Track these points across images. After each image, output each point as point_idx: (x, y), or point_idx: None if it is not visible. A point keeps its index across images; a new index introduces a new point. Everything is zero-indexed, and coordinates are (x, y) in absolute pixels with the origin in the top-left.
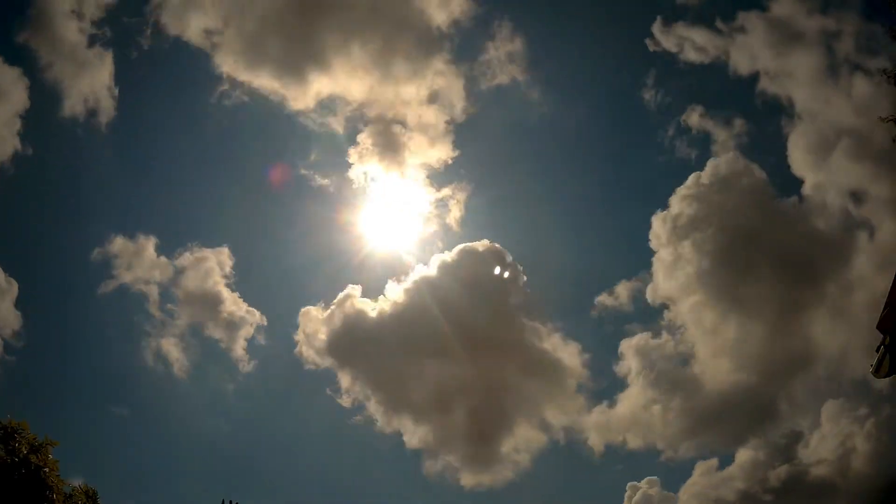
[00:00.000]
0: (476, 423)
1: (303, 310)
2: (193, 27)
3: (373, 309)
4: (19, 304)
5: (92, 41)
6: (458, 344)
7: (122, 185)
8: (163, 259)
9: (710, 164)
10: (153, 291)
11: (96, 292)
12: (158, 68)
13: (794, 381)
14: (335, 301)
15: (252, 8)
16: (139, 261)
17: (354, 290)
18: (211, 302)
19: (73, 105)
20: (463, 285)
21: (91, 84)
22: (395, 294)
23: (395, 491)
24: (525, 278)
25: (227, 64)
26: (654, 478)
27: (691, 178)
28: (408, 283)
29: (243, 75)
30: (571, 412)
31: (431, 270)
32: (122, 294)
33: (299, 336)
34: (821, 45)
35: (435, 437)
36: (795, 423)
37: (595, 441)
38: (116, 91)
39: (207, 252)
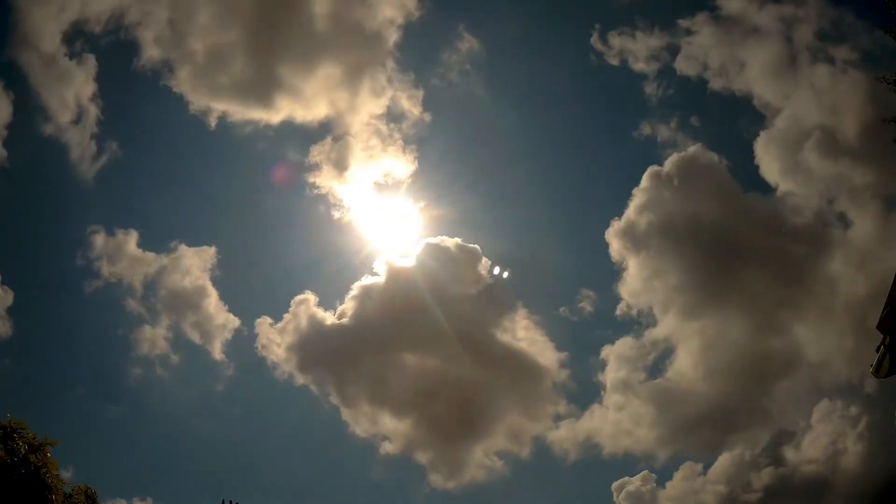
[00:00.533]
0: (448, 428)
1: (258, 320)
2: (157, 44)
3: (336, 316)
4: (12, 311)
5: (72, 54)
6: (428, 346)
7: (104, 189)
8: (149, 254)
9: (672, 161)
10: (137, 288)
11: (84, 293)
12: (135, 86)
13: (783, 383)
14: (290, 310)
15: (209, 30)
16: (124, 258)
17: (311, 297)
18: (194, 303)
19: (56, 115)
20: (427, 287)
21: (75, 95)
22: (355, 301)
23: (367, 495)
24: (500, 282)
25: (187, 85)
26: (651, 473)
27: (653, 178)
28: (365, 291)
29: (202, 97)
30: (546, 418)
31: (382, 279)
32: (107, 293)
33: (258, 344)
34: (781, 36)
35: (407, 441)
36: (787, 424)
37: (570, 446)
38: (99, 104)
39: (189, 250)
